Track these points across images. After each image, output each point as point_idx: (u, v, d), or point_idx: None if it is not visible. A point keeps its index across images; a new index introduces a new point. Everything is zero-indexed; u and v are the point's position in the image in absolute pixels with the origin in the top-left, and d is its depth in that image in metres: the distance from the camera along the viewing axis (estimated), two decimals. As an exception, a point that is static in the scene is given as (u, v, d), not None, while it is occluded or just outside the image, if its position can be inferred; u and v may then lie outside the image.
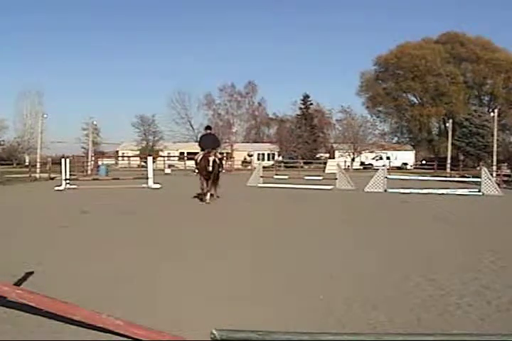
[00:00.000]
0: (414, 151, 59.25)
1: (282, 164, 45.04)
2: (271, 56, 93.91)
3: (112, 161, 48.59)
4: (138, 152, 53.67)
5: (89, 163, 34.16)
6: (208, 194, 11.91)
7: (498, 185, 17.38)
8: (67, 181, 17.23)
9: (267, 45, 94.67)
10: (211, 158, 11.69)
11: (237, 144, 57.28)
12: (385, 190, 15.89)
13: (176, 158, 51.67)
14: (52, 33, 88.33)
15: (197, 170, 12.37)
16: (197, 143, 13.47)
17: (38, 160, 32.10)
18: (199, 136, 14.10)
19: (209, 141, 12.52)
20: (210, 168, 11.65)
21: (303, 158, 48.17)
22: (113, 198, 13.29)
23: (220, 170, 12.67)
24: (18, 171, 29.44)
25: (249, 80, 60.49)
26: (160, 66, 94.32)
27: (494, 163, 31.86)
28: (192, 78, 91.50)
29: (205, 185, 11.94)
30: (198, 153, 12.93)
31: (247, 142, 62.36)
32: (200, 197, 12.12)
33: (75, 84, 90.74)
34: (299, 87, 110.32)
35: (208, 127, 13.72)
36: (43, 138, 37.68)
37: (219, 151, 13.32)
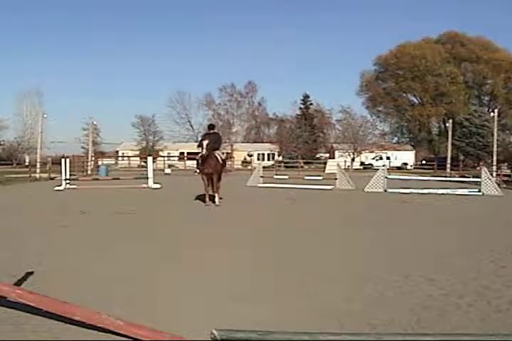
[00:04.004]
0: (414, 151, 59.27)
1: (282, 164, 45.02)
2: (271, 56, 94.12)
3: (112, 161, 48.59)
4: (138, 152, 53.69)
5: (89, 163, 34.16)
6: (216, 195, 11.46)
7: (498, 185, 17.36)
8: (67, 181, 17.23)
9: (267, 45, 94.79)
10: (213, 156, 11.23)
11: (237, 144, 57.27)
12: (385, 190, 15.88)
13: (176, 158, 51.66)
14: (52, 33, 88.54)
15: (198, 170, 11.83)
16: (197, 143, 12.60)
17: (38, 160, 32.11)
18: (200, 135, 13.48)
19: (217, 140, 11.79)
20: (211, 170, 11.30)
21: (303, 158, 48.15)
22: (113, 198, 13.29)
23: (223, 170, 12.29)
24: (18, 171, 29.46)
25: (249, 80, 60.80)
26: (160, 66, 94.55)
27: (494, 163, 31.83)
28: (192, 78, 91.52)
29: (210, 186, 11.44)
30: (199, 153, 12.11)
31: (247, 142, 62.38)
32: (203, 198, 11.75)
33: (75, 84, 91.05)
34: (299, 87, 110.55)
35: (211, 126, 12.90)
36: (43, 138, 37.72)
37: (222, 151, 12.74)
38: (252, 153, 57.82)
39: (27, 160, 48.05)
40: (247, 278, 4.52)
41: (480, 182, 15.92)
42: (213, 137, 11.77)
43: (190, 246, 6.16)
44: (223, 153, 13.17)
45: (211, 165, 11.34)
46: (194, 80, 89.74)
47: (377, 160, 50.94)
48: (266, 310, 3.55)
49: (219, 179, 11.88)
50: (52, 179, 23.60)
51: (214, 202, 11.33)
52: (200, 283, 4.31)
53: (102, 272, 4.66)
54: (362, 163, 50.27)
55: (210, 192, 11.49)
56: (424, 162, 52.09)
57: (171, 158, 50.52)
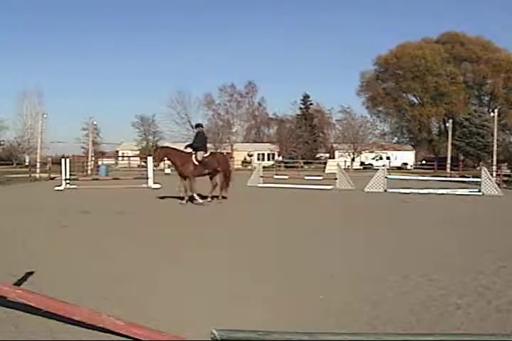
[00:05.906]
0: (414, 151, 59.31)
1: (282, 164, 45.05)
2: (271, 56, 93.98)
3: (112, 161, 48.56)
4: (138, 152, 53.68)
5: (89, 163, 34.16)
6: (219, 194, 12.24)
7: (498, 185, 17.37)
8: (67, 181, 17.24)
9: (266, 44, 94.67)
10: (186, 161, 11.75)
11: (237, 144, 57.25)
12: (385, 190, 15.88)
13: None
14: (52, 33, 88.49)
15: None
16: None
17: (38, 160, 32.08)
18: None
19: (200, 140, 12.08)
20: (184, 173, 11.77)
21: (303, 158, 48.14)
22: (113, 198, 13.29)
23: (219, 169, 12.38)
24: (18, 171, 29.46)
25: (249, 80, 60.63)
26: (160, 66, 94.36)
27: (494, 163, 31.82)
28: (192, 78, 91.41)
29: (212, 187, 12.21)
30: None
31: (247, 142, 62.37)
32: (202, 197, 11.95)
33: (75, 84, 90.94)
34: (299, 87, 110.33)
35: (197, 125, 13.02)
36: (43, 138, 37.73)
37: (220, 151, 13.07)
38: (252, 153, 57.80)
39: (27, 160, 48.05)
40: (247, 278, 4.52)
41: (480, 182, 15.92)
42: (198, 138, 12.12)
43: (190, 245, 6.16)
44: (222, 153, 13.34)
45: (182, 169, 11.78)
46: (194, 80, 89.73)
47: (377, 160, 50.96)
48: (266, 309, 3.55)
49: (217, 179, 12.29)
50: (52, 179, 23.60)
51: (183, 200, 11.64)
52: (200, 282, 4.31)
53: (102, 272, 4.66)
54: (362, 163, 50.28)
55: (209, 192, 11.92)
56: (424, 162, 52.11)
57: (171, 158, 50.38)
